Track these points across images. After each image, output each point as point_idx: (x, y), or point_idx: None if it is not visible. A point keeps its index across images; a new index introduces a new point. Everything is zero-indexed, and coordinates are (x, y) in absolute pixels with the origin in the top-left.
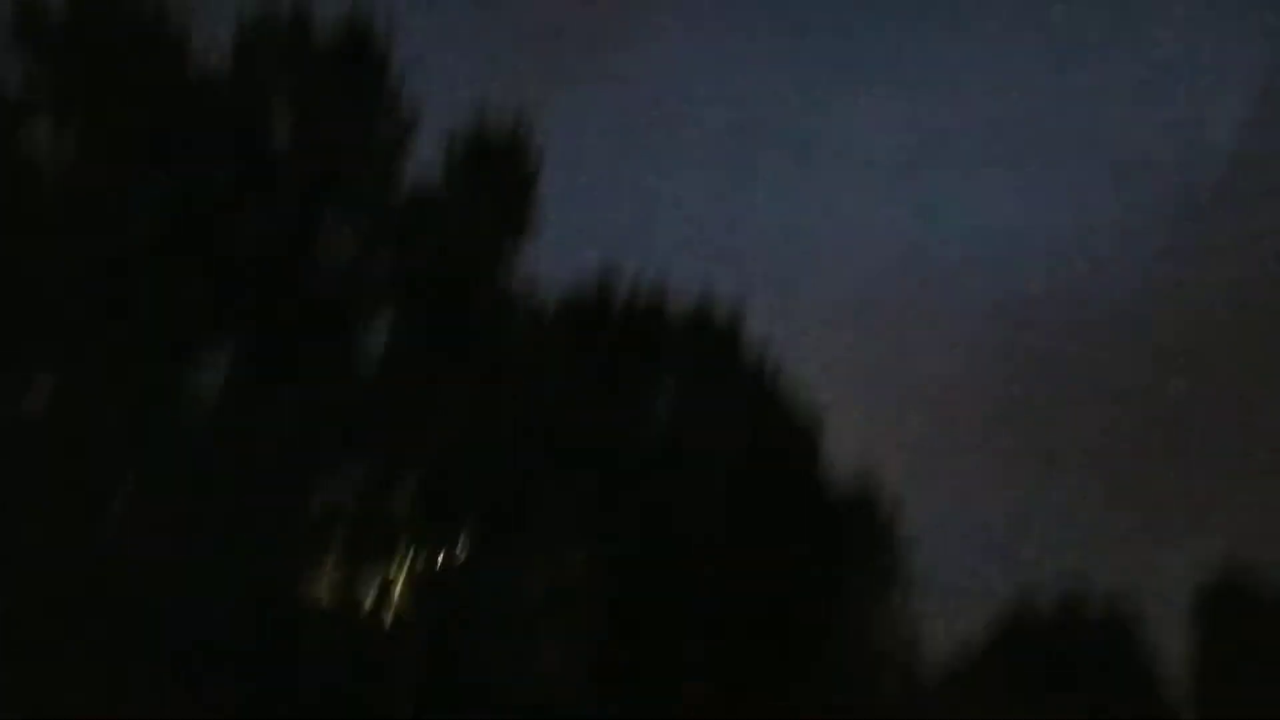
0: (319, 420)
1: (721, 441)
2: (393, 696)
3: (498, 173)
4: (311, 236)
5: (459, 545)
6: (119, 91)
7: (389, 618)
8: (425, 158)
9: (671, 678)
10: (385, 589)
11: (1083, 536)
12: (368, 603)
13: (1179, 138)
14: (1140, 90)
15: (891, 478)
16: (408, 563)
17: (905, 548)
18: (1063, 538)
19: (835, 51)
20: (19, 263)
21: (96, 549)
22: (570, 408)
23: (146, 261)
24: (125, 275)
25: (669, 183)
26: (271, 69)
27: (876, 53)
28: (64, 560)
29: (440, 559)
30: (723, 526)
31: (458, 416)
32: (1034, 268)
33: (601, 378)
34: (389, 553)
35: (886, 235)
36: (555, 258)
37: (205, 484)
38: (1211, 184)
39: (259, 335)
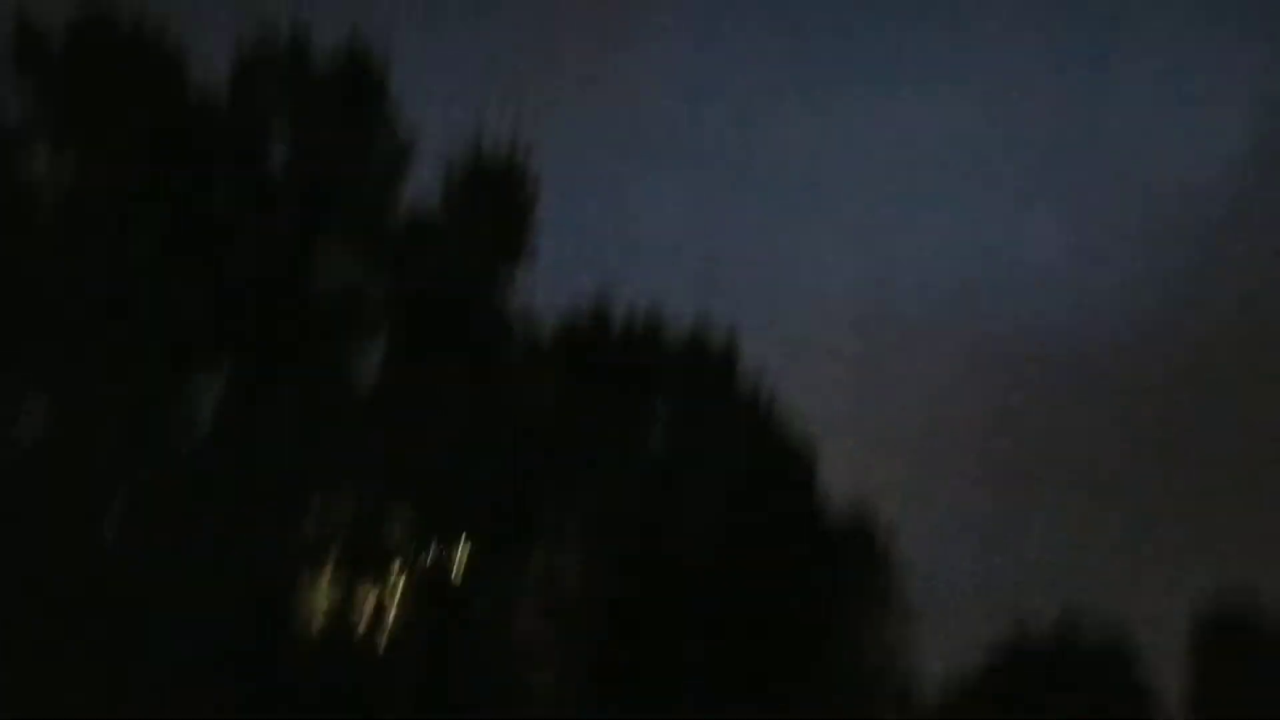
0: (315, 440)
1: (717, 468)
2: (391, 698)
3: (495, 197)
4: (309, 259)
5: (455, 565)
6: (118, 115)
7: (385, 633)
8: (423, 178)
9: (668, 702)
10: (381, 605)
11: (1079, 563)
12: (364, 618)
13: (1176, 158)
14: (1142, 108)
15: (886, 503)
16: (403, 580)
17: (900, 573)
18: (1059, 564)
19: (833, 78)
20: (18, 283)
21: (93, 563)
22: (566, 433)
23: (144, 282)
24: (123, 296)
25: (664, 208)
26: (270, 92)
27: (873, 81)
28: (62, 572)
29: (436, 577)
30: (718, 552)
31: (453, 437)
32: (1032, 290)
33: (597, 403)
34: (385, 570)
35: (882, 257)
36: (550, 282)
37: (201, 501)
38: (1214, 203)
39: (256, 356)
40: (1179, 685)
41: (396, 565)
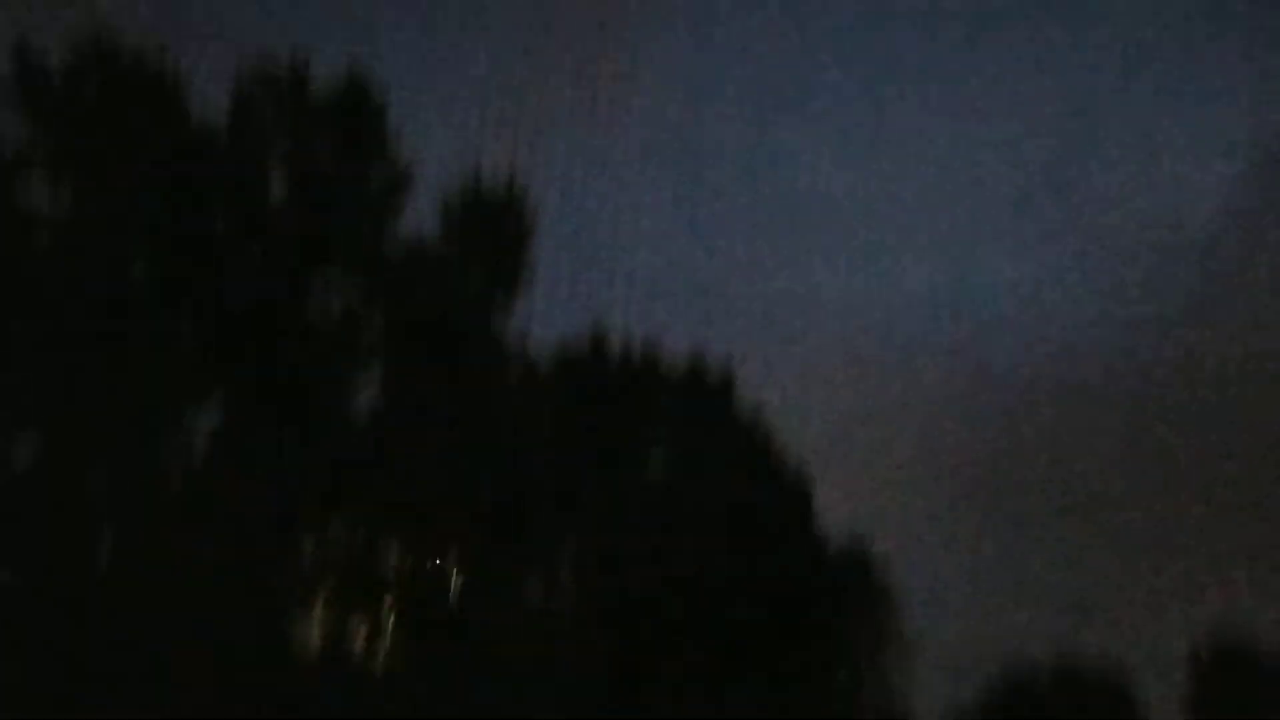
0: (311, 469)
1: (714, 496)
2: None
3: (492, 228)
4: (307, 287)
5: (451, 590)
6: (118, 145)
7: (381, 657)
8: (421, 207)
9: None
10: (377, 629)
11: (1077, 595)
12: (360, 643)
13: (1166, 197)
14: (1143, 131)
15: (883, 536)
16: (400, 605)
17: (897, 607)
18: (1056, 596)
19: (830, 109)
20: (17, 310)
21: (88, 588)
22: (563, 461)
23: (142, 312)
24: (121, 323)
25: (659, 239)
26: (269, 123)
27: (870, 112)
28: (57, 596)
29: (433, 602)
30: (715, 580)
31: (450, 464)
32: (1029, 325)
33: (594, 432)
34: (381, 595)
35: (877, 285)
36: (546, 311)
37: (197, 527)
38: (1202, 243)
39: (254, 383)
40: (1178, 719)
41: (393, 590)
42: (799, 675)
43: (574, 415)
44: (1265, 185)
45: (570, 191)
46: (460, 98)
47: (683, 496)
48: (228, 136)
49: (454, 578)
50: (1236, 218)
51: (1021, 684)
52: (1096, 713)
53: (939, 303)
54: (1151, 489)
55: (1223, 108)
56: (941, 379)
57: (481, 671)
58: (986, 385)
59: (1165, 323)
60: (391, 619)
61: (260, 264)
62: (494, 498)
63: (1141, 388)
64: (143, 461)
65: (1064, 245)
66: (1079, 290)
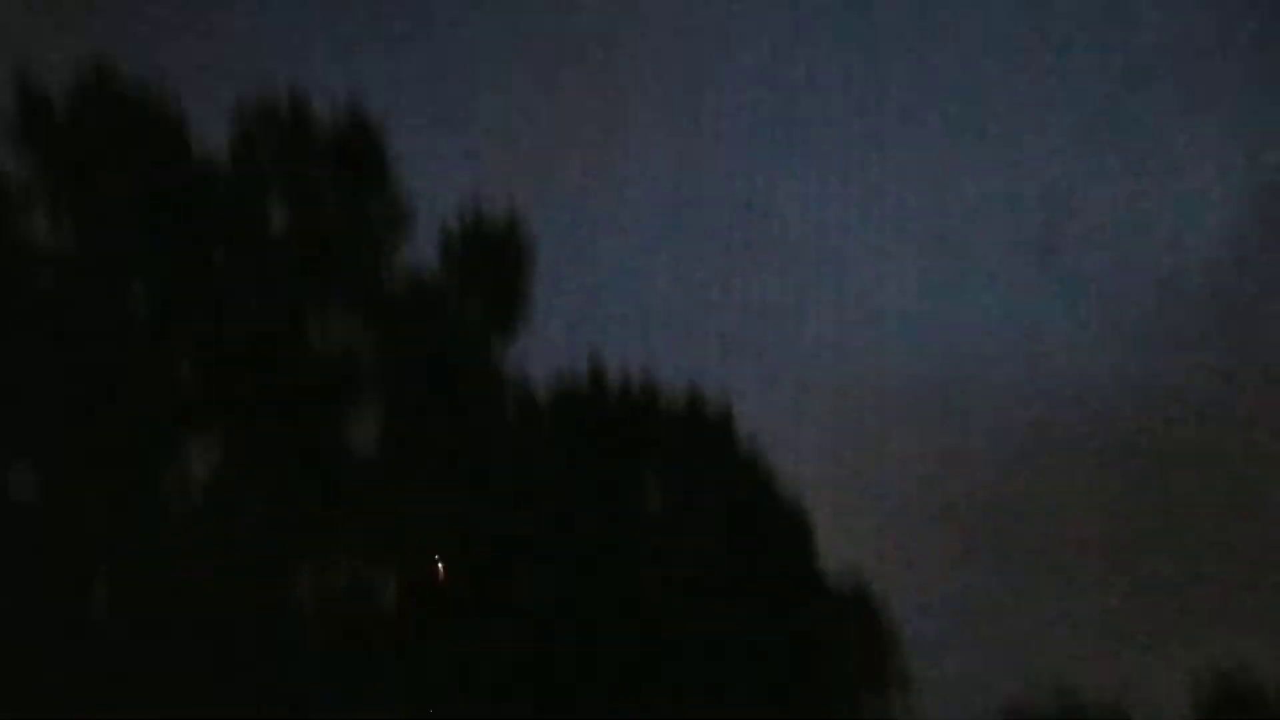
0: (308, 507)
1: (712, 536)
2: None
3: (491, 263)
4: (305, 322)
5: (449, 636)
6: (118, 180)
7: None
8: (421, 241)
9: None
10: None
11: (1079, 639)
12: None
13: (1162, 234)
14: (1121, 185)
15: (882, 575)
16: (396, 642)
17: (897, 646)
18: (1058, 640)
19: (828, 144)
20: (12, 345)
21: (82, 630)
22: (560, 500)
23: (141, 344)
24: (119, 359)
25: (656, 275)
26: (269, 158)
27: (867, 147)
28: (50, 639)
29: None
30: (713, 622)
31: (448, 505)
32: (1028, 362)
33: (592, 470)
34: (379, 636)
35: (875, 333)
36: (543, 347)
37: (193, 568)
38: (1201, 278)
39: (252, 420)
40: None
41: (391, 624)
42: (797, 713)
43: (573, 449)
44: (1266, 220)
45: (569, 225)
46: (460, 131)
47: (681, 531)
48: (228, 170)
49: (452, 610)
50: (1236, 254)
51: None
52: None
53: (934, 342)
54: (1151, 527)
55: (1220, 142)
56: (938, 418)
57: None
58: (984, 424)
59: (1164, 360)
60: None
61: (260, 297)
62: (492, 531)
63: (1140, 425)
64: (141, 494)
65: (1059, 284)
66: (1075, 329)
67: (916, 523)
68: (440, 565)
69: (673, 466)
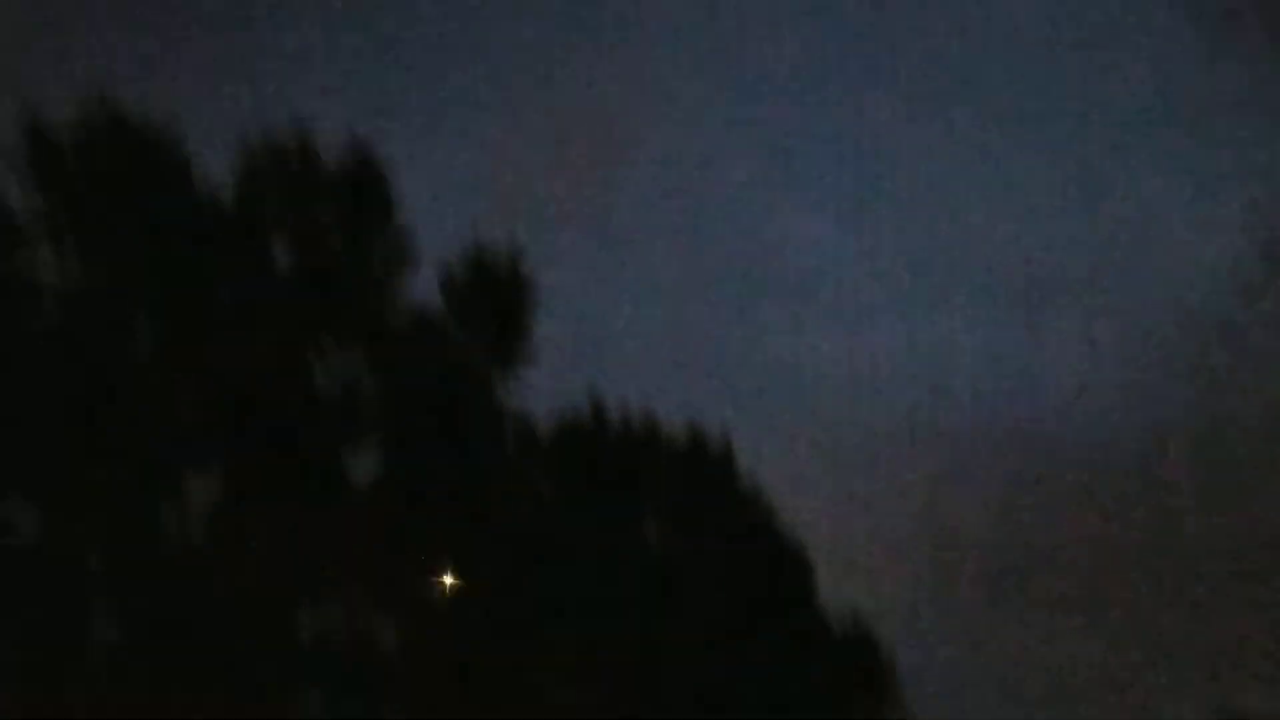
0: (310, 545)
1: (712, 571)
2: None
3: (492, 301)
4: (307, 360)
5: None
6: (122, 213)
7: None
8: (422, 277)
9: None
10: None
11: (1084, 683)
12: None
13: (1173, 276)
14: (1131, 224)
15: (883, 617)
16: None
17: (898, 689)
18: (1060, 684)
19: (829, 186)
20: (17, 378)
21: (84, 667)
22: (561, 535)
23: (142, 379)
24: (121, 396)
25: (654, 310)
26: (273, 193)
27: (867, 189)
28: (53, 676)
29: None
30: (715, 659)
31: (448, 542)
32: (1037, 403)
33: (592, 505)
34: (378, 674)
35: (883, 370)
36: (546, 382)
37: (193, 606)
38: (1212, 320)
39: (253, 456)
40: None
41: (392, 663)
42: None
43: (573, 484)
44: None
45: (571, 263)
46: (462, 169)
47: (682, 566)
48: (233, 204)
49: (453, 649)
50: (1247, 297)
51: None
52: None
53: (935, 380)
54: (1155, 573)
55: (1229, 184)
56: (938, 455)
57: None
58: (984, 463)
59: (1174, 402)
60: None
61: (262, 335)
62: (493, 569)
63: (1147, 469)
64: (142, 535)
65: (1067, 326)
66: (1082, 372)
67: (916, 559)
68: (440, 596)
69: (672, 502)
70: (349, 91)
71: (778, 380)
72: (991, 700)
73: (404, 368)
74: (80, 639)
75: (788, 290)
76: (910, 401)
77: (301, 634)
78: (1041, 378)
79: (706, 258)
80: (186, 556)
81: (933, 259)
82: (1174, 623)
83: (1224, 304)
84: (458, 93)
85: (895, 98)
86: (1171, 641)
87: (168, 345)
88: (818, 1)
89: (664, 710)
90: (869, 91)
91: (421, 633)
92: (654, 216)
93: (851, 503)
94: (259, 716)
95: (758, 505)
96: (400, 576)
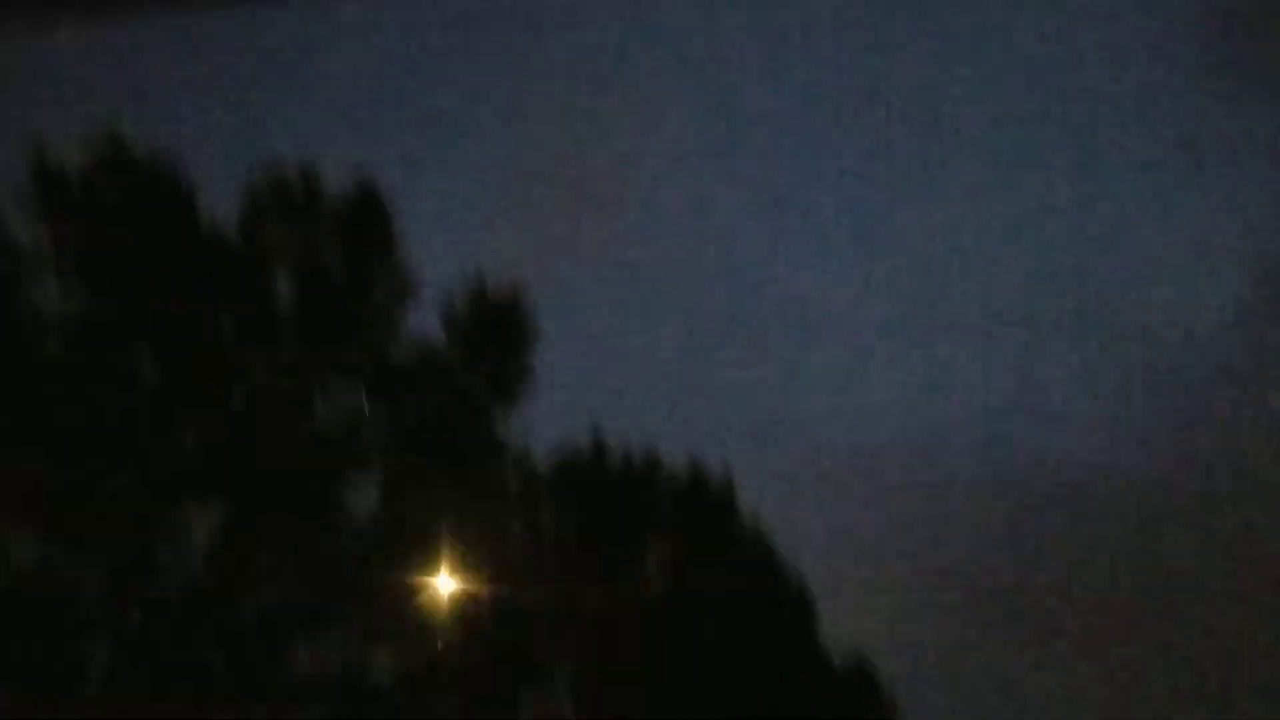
0: (310, 577)
1: (714, 611)
2: None
3: (494, 335)
4: (310, 394)
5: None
6: (126, 249)
7: None
8: (424, 313)
9: None
10: None
11: (1085, 717)
12: None
13: (1170, 309)
14: (1128, 259)
15: (887, 654)
16: None
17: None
18: (1066, 717)
19: (831, 221)
20: (20, 414)
21: (80, 703)
22: (563, 572)
23: (143, 415)
24: (124, 428)
25: (655, 346)
26: (278, 231)
27: (869, 224)
28: (48, 713)
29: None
30: (716, 699)
31: (448, 579)
32: (1037, 439)
33: (593, 543)
34: (378, 712)
35: (882, 405)
36: (547, 418)
37: (187, 644)
38: (1208, 357)
39: (252, 490)
40: None
41: (390, 700)
42: None
43: (574, 521)
44: (1273, 296)
45: (572, 298)
46: (464, 204)
47: (683, 606)
48: (236, 241)
49: (452, 682)
50: (1245, 329)
51: None
52: None
53: (938, 418)
54: (1156, 608)
55: (1226, 219)
56: (941, 494)
57: None
58: (989, 503)
59: (1172, 436)
60: None
61: (265, 368)
62: (493, 606)
63: (1148, 502)
64: (141, 566)
65: (1065, 359)
66: (1081, 406)
67: (917, 595)
68: (440, 629)
69: (674, 540)
70: (352, 123)
71: (782, 419)
72: None
73: (406, 401)
74: (78, 671)
75: (789, 325)
76: (910, 438)
77: (300, 667)
78: (1041, 413)
79: (707, 292)
80: (186, 588)
81: (933, 293)
82: (1173, 656)
83: (1224, 338)
84: (461, 126)
85: (893, 131)
86: (1171, 673)
87: (170, 377)
88: (818, 41)
89: None
90: (867, 125)
91: (422, 666)
92: (656, 251)
93: (851, 539)
94: None
95: (759, 541)
96: (400, 609)
